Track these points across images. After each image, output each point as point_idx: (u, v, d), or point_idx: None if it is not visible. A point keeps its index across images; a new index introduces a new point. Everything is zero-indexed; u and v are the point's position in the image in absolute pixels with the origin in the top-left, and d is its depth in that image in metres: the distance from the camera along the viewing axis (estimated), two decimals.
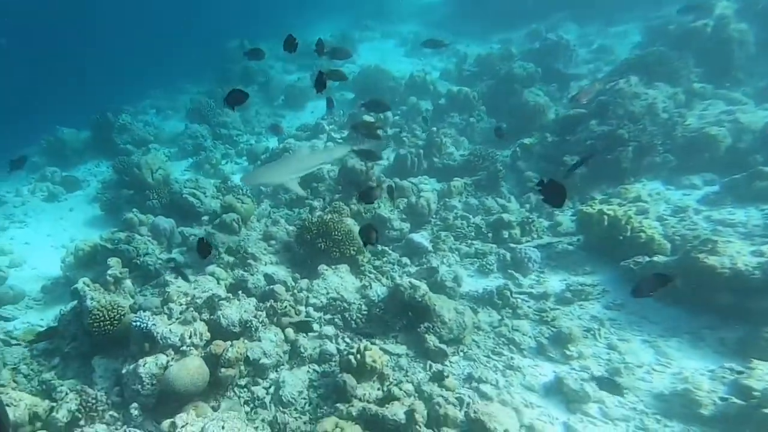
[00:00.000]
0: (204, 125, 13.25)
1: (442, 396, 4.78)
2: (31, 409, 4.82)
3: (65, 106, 17.43)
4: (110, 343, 5.85)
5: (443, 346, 5.46)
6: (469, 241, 7.58)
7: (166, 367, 5.14)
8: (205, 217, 8.82)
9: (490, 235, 7.66)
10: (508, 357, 5.54)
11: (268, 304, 5.83)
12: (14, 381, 5.66)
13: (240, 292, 6.15)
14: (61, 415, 4.84)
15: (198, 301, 5.99)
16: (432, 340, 5.48)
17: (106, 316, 5.81)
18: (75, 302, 6.62)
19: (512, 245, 7.32)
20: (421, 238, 7.37)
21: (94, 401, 5.02)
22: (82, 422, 4.90)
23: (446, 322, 5.60)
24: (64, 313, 6.71)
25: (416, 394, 4.87)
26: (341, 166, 8.56)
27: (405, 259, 7.06)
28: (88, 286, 6.71)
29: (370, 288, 6.32)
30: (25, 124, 16.42)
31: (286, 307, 5.77)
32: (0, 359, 5.93)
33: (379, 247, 7.17)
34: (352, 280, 6.54)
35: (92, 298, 6.27)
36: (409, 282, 5.75)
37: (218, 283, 6.56)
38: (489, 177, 8.93)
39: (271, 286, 6.18)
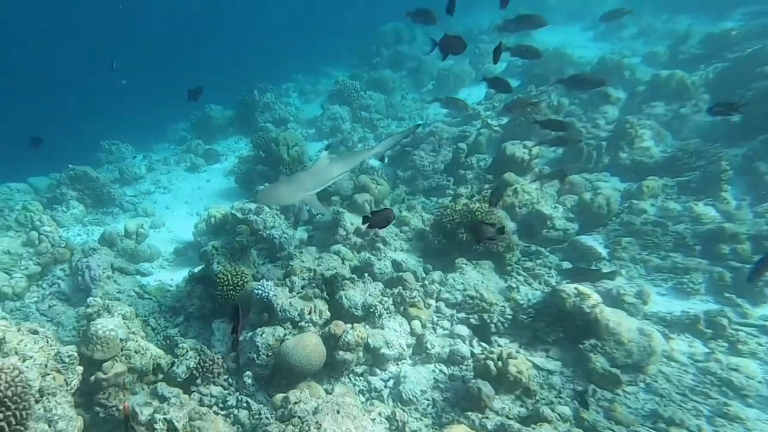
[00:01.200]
0: (345, 107, 14.06)
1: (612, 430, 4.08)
2: (155, 360, 5.36)
3: (217, 86, 20.34)
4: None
5: (615, 370, 4.74)
6: (664, 253, 6.54)
7: (282, 340, 5.32)
8: (336, 197, 9.13)
9: (698, 248, 6.49)
10: (720, 401, 4.60)
11: (396, 291, 5.66)
12: (143, 331, 6.46)
13: (366, 275, 6.09)
14: (181, 371, 5.27)
15: (321, 278, 6.09)
16: (599, 361, 4.79)
17: (230, 281, 6.32)
18: (203, 265, 7.39)
19: (736, 264, 6.10)
20: (593, 241, 6.52)
21: (211, 363, 5.38)
22: (198, 381, 5.28)
23: (623, 342, 4.86)
24: (192, 275, 7.54)
25: (574, 421, 4.31)
26: (497, 153, 8.11)
27: (567, 264, 6.32)
28: (216, 250, 7.43)
29: (518, 291, 5.76)
30: (180, 102, 19.65)
31: (415, 297, 5.52)
32: (134, 309, 6.83)
33: (533, 247, 6.55)
34: (496, 279, 6.08)
35: (219, 262, 6.91)
36: (576, 289, 5.07)
37: (343, 262, 6.65)
38: (704, 178, 7.64)
39: (400, 273, 6.01)
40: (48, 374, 4.23)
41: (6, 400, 3.43)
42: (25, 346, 4.23)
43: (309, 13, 31.73)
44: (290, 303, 5.66)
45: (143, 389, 5.10)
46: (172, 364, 5.44)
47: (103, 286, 7.41)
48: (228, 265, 6.78)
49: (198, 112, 17.17)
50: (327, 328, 5.23)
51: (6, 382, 3.72)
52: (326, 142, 13.47)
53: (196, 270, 8.02)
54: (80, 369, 4.56)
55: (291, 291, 6.02)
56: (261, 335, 5.40)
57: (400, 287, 5.72)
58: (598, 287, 5.62)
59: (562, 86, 6.03)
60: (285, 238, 7.98)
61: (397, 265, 6.51)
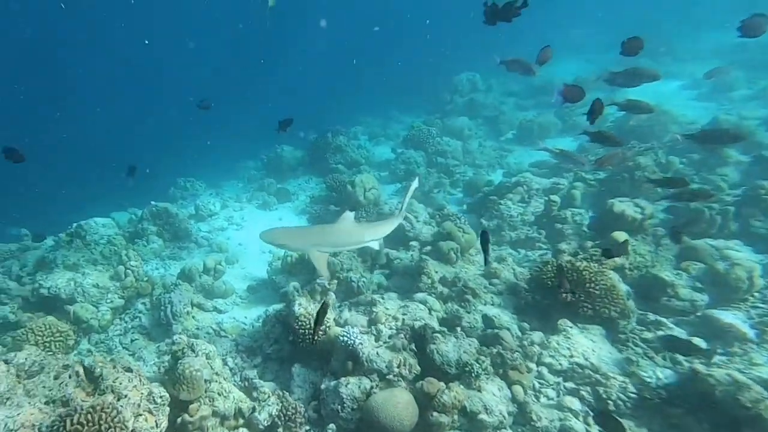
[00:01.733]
0: (420, 151, 14.46)
1: None
2: (237, 403, 5.44)
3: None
4: (311, 353, 6.39)
5: None
6: None
7: (369, 393, 5.27)
8: (415, 243, 9.21)
9: None
10: None
11: (495, 351, 5.49)
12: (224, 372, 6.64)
13: (458, 329, 5.98)
14: (263, 418, 5.31)
15: (409, 328, 6.06)
16: None
17: (312, 325, 6.37)
18: (282, 305, 7.58)
19: None
20: (734, 318, 6.01)
21: (293, 411, 5.40)
22: (279, 430, 5.30)
23: None
24: (269, 315, 7.72)
25: None
26: (603, 210, 7.88)
27: (698, 340, 5.83)
28: (297, 291, 7.61)
29: (637, 365, 5.36)
30: (249, 143, 20.95)
31: (517, 359, 5.32)
32: (215, 348, 7.06)
33: (651, 316, 6.15)
34: (609, 348, 5.71)
35: (300, 305, 7.00)
36: (729, 376, 4.62)
37: (430, 313, 6.59)
38: None
39: (495, 331, 5.85)
40: (140, 414, 4.40)
41: None
42: (120, 383, 4.42)
43: (375, 58, 33.28)
44: (377, 353, 5.64)
45: None
46: (253, 409, 5.49)
47: (183, 321, 7.76)
48: (310, 307, 6.89)
49: (269, 152, 18.25)
50: (419, 385, 5.12)
51: (105, 422, 3.92)
52: (399, 184, 13.78)
53: (272, 309, 8.24)
54: (167, 410, 4.72)
55: (377, 340, 6.03)
56: (346, 386, 5.38)
57: (499, 347, 5.55)
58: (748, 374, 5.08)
59: (691, 141, 5.80)
60: (363, 281, 8.09)
61: (488, 321, 6.35)
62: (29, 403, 3.94)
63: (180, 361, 5.30)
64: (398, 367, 5.43)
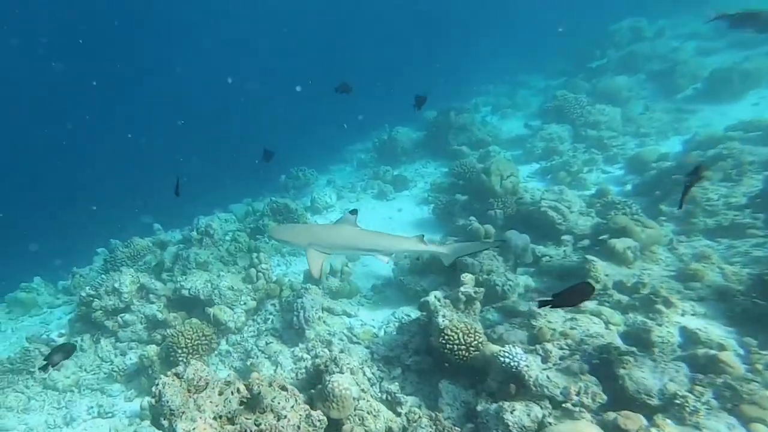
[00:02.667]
0: (564, 125, 13.35)
1: None
2: (388, 423, 5.34)
3: (400, 106, 21.45)
4: (458, 368, 6.10)
5: None
6: None
7: (541, 423, 4.86)
8: (568, 236, 8.51)
9: None
10: None
11: (718, 381, 4.73)
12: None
13: (656, 350, 5.27)
14: None
15: (585, 347, 5.50)
16: None
17: (462, 340, 6.03)
18: (421, 314, 7.37)
19: None
20: None
21: None
22: None
23: None
24: (405, 323, 7.60)
25: None
26: None
27: None
28: (439, 301, 7.31)
29: None
30: (360, 124, 21.12)
31: (755, 392, 4.51)
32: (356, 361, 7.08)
33: None
34: None
35: (444, 316, 6.69)
36: None
37: (607, 327, 5.93)
38: None
39: (713, 353, 5.04)
40: None
41: None
42: (279, 403, 4.47)
43: (497, 14, 31.76)
44: (547, 377, 5.18)
45: None
46: (404, 429, 5.37)
47: (315, 327, 7.96)
48: (456, 319, 6.59)
49: (381, 134, 18.25)
50: (611, 418, 4.56)
51: None
52: (537, 165, 12.92)
53: (404, 315, 8.28)
54: None
55: (545, 361, 5.55)
56: (511, 412, 4.99)
57: (725, 375, 4.76)
58: None
59: None
60: (509, 285, 7.64)
61: (690, 335, 5.55)
62: (200, 417, 4.16)
63: (327, 378, 5.30)
64: (577, 394, 4.92)
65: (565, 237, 8.62)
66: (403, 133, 17.44)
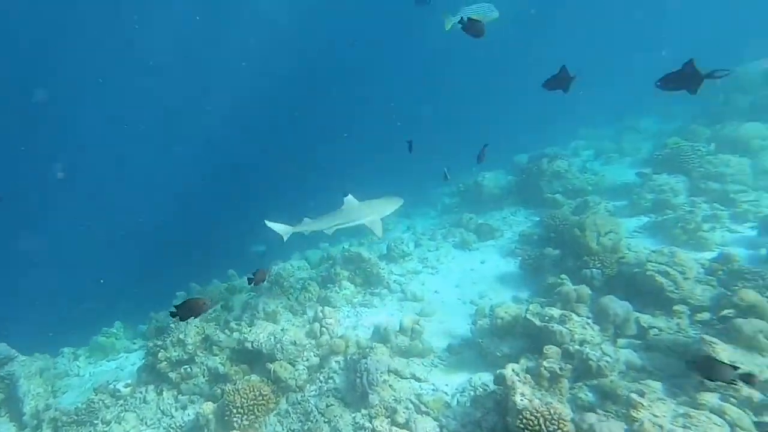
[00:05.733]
0: (679, 175, 12.26)
1: None
2: None
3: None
4: None
5: None
6: None
7: None
8: (681, 307, 7.58)
9: None
10: None
11: None
12: None
13: None
14: None
15: None
16: None
17: (543, 427, 5.58)
18: (497, 388, 6.87)
19: None
20: None
21: None
22: None
23: None
24: (479, 395, 7.18)
25: None
26: None
27: None
28: (517, 375, 6.76)
29: None
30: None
31: None
32: None
33: None
34: None
35: (523, 395, 6.26)
36: None
37: (733, 431, 5.03)
38: None
39: None
40: None
41: None
42: None
43: (601, 52, 30.88)
44: None
45: None
46: None
47: (379, 391, 7.65)
48: (537, 401, 5.98)
49: (467, 179, 17.82)
50: None
51: None
52: (645, 218, 11.85)
53: (481, 384, 7.70)
54: None
55: None
56: None
57: None
58: None
59: None
60: (607, 361, 6.86)
61: None
62: None
63: None
64: None
65: (677, 307, 7.68)
66: (489, 179, 16.96)
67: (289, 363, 8.37)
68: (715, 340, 6.12)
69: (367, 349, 8.25)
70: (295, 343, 8.58)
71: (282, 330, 8.93)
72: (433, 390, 8.21)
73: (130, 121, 32.92)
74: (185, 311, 5.40)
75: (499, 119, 28.46)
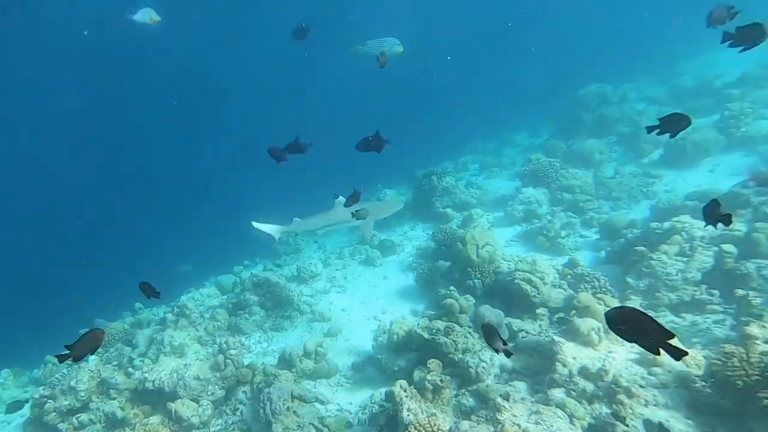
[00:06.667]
0: (541, 188, 13.44)
1: None
2: None
3: (389, 167, 21.62)
4: None
5: None
6: None
7: None
8: (542, 310, 8.35)
9: None
10: None
11: None
12: None
13: None
14: None
15: None
16: None
17: None
18: (389, 405, 7.11)
19: None
20: None
21: None
22: None
23: None
24: (374, 413, 7.39)
25: None
26: None
27: None
28: (404, 391, 7.04)
29: None
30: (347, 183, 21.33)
31: None
32: None
33: None
34: None
35: (409, 410, 6.45)
36: None
37: (571, 422, 5.71)
38: None
39: None
40: None
41: None
42: None
43: (485, 77, 32.81)
44: None
45: None
46: None
47: (282, 419, 7.64)
48: (422, 414, 6.35)
49: (370, 195, 18.30)
50: None
51: None
52: (520, 227, 12.86)
53: (379, 401, 7.84)
54: None
55: None
56: None
57: None
58: None
59: None
60: (483, 367, 7.41)
61: (656, 429, 5.33)
62: None
63: None
64: None
65: (539, 311, 8.45)
66: (390, 195, 17.48)
67: (193, 399, 8.19)
68: (562, 340, 6.86)
69: (271, 377, 8.31)
70: (198, 378, 8.37)
71: (185, 365, 8.66)
72: (338, 410, 8.35)
73: None
74: (80, 349, 4.64)
75: (403, 137, 29.30)
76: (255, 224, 10.19)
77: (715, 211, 5.02)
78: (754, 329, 5.25)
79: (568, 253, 10.76)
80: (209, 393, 8.36)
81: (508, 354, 4.69)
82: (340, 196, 9.82)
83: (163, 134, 34.86)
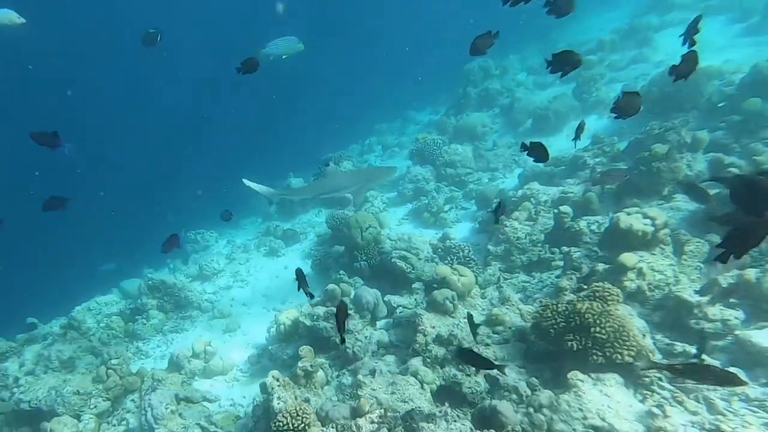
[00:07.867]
0: (427, 166, 13.81)
1: None
2: None
3: (294, 154, 21.48)
4: None
5: None
6: None
7: None
8: (418, 284, 8.67)
9: None
10: None
11: None
12: None
13: (447, 407, 5.41)
14: None
15: (393, 416, 5.53)
16: None
17: (290, 425, 5.73)
18: (264, 396, 7.08)
19: None
20: None
21: None
22: None
23: None
24: (256, 404, 7.31)
25: None
26: (609, 226, 7.04)
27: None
28: (277, 380, 7.11)
29: (665, 417, 4.65)
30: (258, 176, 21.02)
31: None
32: None
33: (679, 346, 5.44)
34: (629, 400, 5.01)
35: (279, 398, 6.50)
36: None
37: (422, 387, 6.04)
38: None
39: (493, 403, 5.20)
40: None
41: None
42: None
43: (388, 58, 32.94)
44: None
45: None
46: None
47: (166, 424, 7.53)
48: (290, 401, 6.45)
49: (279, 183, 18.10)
50: None
51: None
52: (411, 205, 13.20)
53: (258, 400, 7.92)
54: None
55: None
56: None
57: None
58: None
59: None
60: (359, 346, 7.64)
61: (492, 381, 5.77)
62: None
63: None
64: None
65: (415, 285, 8.77)
66: (296, 183, 17.36)
67: (73, 416, 7.89)
68: (423, 312, 7.18)
69: (155, 382, 8.19)
70: (78, 393, 8.05)
71: (64, 381, 8.32)
72: (230, 405, 8.35)
73: None
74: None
75: (308, 125, 29.09)
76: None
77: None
78: (563, 281, 5.76)
79: (449, 226, 11.18)
80: (92, 406, 8.10)
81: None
82: (331, 164, 9.89)
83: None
